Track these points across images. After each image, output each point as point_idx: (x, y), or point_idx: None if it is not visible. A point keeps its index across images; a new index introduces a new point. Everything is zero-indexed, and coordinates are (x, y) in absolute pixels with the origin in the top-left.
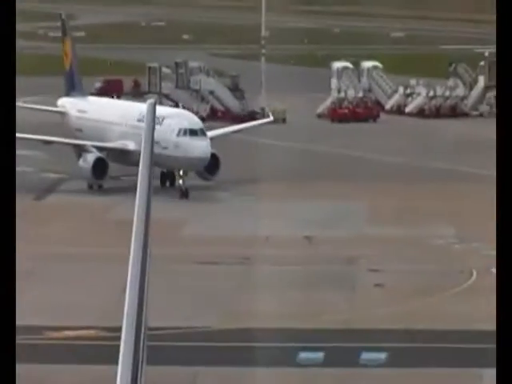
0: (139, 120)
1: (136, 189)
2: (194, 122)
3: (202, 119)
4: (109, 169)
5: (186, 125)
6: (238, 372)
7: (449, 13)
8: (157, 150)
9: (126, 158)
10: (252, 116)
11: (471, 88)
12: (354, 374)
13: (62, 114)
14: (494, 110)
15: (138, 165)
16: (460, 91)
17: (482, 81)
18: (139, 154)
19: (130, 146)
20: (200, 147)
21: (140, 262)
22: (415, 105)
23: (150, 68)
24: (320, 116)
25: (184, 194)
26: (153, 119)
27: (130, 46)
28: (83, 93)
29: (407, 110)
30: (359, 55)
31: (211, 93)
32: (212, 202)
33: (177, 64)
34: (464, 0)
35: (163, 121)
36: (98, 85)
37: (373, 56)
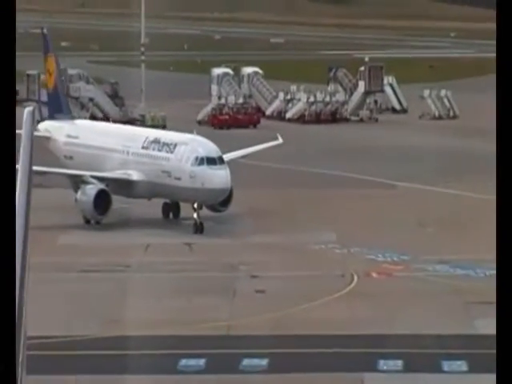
0: (144, 147)
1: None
2: (211, 148)
3: None
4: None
5: (202, 152)
6: (117, 380)
7: (328, 19)
8: (168, 181)
9: (129, 189)
10: (132, 123)
11: (351, 93)
12: (236, 381)
13: (47, 139)
14: (374, 115)
15: (141, 197)
16: (340, 96)
17: (362, 86)
18: (144, 185)
19: (134, 176)
20: (220, 177)
21: (19, 271)
22: (296, 110)
23: (28, 75)
24: (200, 122)
25: (199, 228)
26: (31, 128)
27: None
28: (71, 116)
29: (288, 115)
30: (240, 61)
31: (91, 100)
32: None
33: None
34: (347, 6)
35: (175, 148)
36: None
37: (253, 62)
